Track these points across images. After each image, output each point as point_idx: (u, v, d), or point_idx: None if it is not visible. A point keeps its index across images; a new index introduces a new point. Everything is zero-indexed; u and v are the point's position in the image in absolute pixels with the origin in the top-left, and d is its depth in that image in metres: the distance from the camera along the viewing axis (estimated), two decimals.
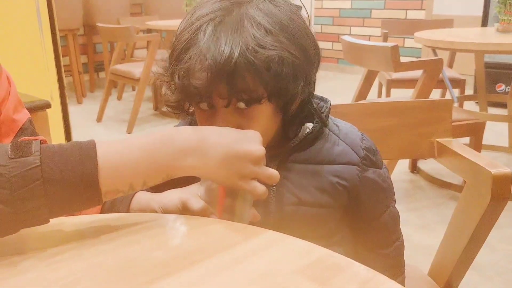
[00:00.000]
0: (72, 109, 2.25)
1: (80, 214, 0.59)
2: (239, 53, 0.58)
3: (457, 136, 2.34)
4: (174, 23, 3.82)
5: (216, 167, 0.56)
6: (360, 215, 0.76)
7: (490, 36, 2.39)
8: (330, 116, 0.76)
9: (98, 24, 3.63)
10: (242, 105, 0.62)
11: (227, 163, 0.56)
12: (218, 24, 0.60)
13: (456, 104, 2.90)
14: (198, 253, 0.48)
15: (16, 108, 0.76)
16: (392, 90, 3.01)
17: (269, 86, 0.61)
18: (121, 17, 4.37)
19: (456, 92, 3.02)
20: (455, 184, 2.43)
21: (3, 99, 0.72)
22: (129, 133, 3.43)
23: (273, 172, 0.60)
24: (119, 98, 4.42)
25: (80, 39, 4.59)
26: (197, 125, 0.68)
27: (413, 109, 1.00)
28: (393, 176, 2.43)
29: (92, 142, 0.51)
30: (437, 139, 0.98)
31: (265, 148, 0.60)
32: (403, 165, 2.70)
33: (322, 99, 0.76)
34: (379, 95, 3.36)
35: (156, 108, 4.05)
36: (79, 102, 4.30)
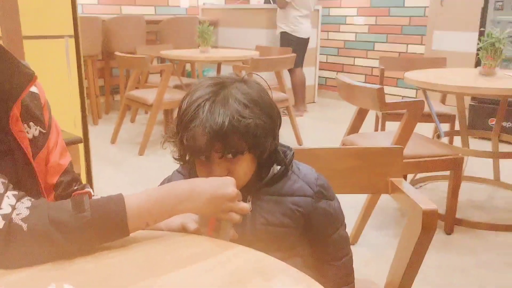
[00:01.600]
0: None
1: None
2: (228, 122, 0.86)
3: (438, 170, 2.56)
4: (185, 53, 4.11)
5: (204, 207, 0.82)
6: (314, 234, 1.02)
7: (473, 79, 2.62)
8: (294, 160, 1.01)
9: (116, 53, 3.93)
10: (230, 156, 0.90)
11: (211, 203, 0.83)
12: (212, 103, 0.88)
13: (444, 138, 3.12)
14: (190, 259, 0.72)
15: (62, 154, 0.97)
16: (387, 123, 3.26)
17: (249, 143, 0.90)
18: (137, 44, 4.68)
19: (446, 126, 3.25)
20: (440, 213, 2.63)
21: (51, 148, 0.95)
22: (140, 155, 3.68)
23: (245, 206, 0.86)
24: (132, 120, 4.70)
25: (98, 64, 4.90)
26: (194, 170, 0.95)
27: (372, 154, 1.24)
28: (382, 204, 2.68)
29: (120, 195, 0.78)
30: (390, 179, 1.21)
31: (245, 184, 0.91)
32: None
33: (288, 148, 1.02)
34: (376, 128, 3.59)
35: (166, 132, 4.30)
36: (95, 123, 4.59)
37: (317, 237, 1.02)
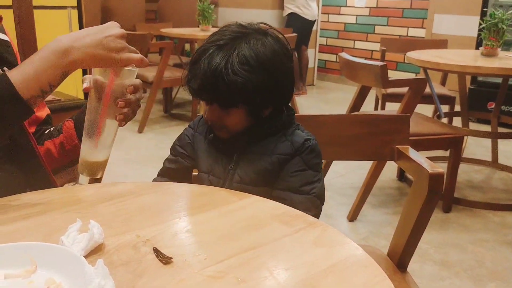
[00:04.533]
0: None
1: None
2: (218, 74, 0.89)
3: (438, 148, 2.58)
4: (186, 31, 4.09)
5: (95, 52, 0.77)
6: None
7: (474, 59, 2.63)
8: (298, 124, 1.03)
9: None
10: (217, 106, 0.94)
11: (102, 46, 0.77)
12: (216, 51, 0.91)
13: (444, 119, 3.14)
14: (209, 205, 0.73)
15: (39, 108, 1.04)
16: (387, 104, 3.27)
17: (237, 98, 0.92)
18: (136, 22, 4.65)
19: (446, 108, 3.27)
20: None
21: None
22: (140, 133, 3.69)
23: (143, 57, 0.81)
24: None
25: None
26: (204, 122, 1.02)
27: (378, 121, 1.25)
28: (382, 183, 2.71)
29: (3, 73, 0.75)
30: (397, 146, 1.22)
31: (233, 136, 0.97)
32: (391, 173, 2.94)
33: (291, 109, 1.03)
34: (376, 108, 3.61)
35: (165, 110, 4.32)
36: None
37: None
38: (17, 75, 0.75)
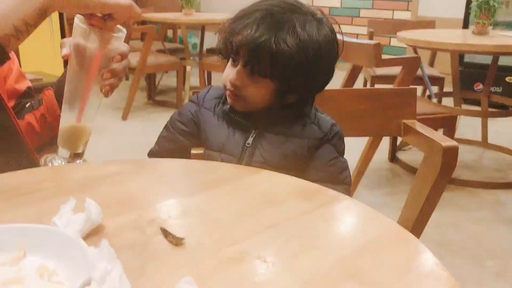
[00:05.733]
0: None
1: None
2: (266, 38, 0.82)
3: (431, 128, 2.54)
4: (169, 16, 3.96)
5: None
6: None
7: (466, 37, 2.59)
8: (316, 107, 0.97)
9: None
10: (250, 70, 0.87)
11: None
12: (269, 14, 0.85)
13: (434, 100, 3.10)
14: (217, 181, 0.66)
15: (17, 80, 0.95)
16: (376, 86, 3.22)
17: (275, 70, 0.85)
18: None
19: (435, 89, 3.23)
20: None
21: (5, 75, 0.91)
22: (124, 120, 3.57)
23: (133, 3, 0.72)
24: None
25: None
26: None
27: (384, 96, 1.19)
28: (374, 165, 2.66)
29: None
30: (403, 121, 1.16)
31: (252, 113, 0.90)
32: (382, 155, 2.89)
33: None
34: None
35: (149, 97, 4.20)
36: None
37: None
38: None
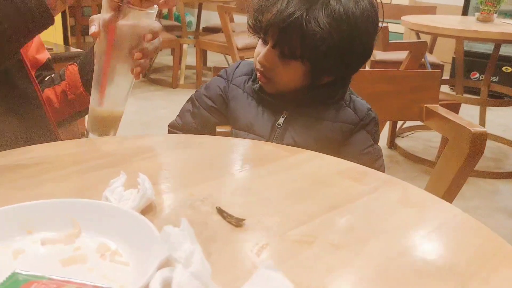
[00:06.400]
0: None
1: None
2: (296, 17, 0.76)
3: None
4: None
5: None
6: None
7: (471, 24, 2.57)
8: (350, 88, 0.92)
9: None
10: (278, 52, 0.82)
11: None
12: None
13: None
14: (262, 160, 0.63)
15: (38, 50, 0.91)
16: None
17: (305, 52, 0.80)
18: None
19: None
20: (428, 160, 2.63)
21: (27, 44, 0.85)
22: None
23: None
24: None
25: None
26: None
27: (405, 78, 1.16)
28: None
29: None
30: (425, 105, 1.14)
31: (284, 95, 0.85)
32: (381, 141, 2.87)
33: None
34: None
35: (144, 75, 4.12)
36: None
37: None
38: None
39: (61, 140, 0.83)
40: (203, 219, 0.47)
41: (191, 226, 0.34)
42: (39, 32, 0.66)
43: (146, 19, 0.70)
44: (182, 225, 0.34)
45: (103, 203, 0.43)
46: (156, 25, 0.72)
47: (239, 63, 0.95)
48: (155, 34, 0.71)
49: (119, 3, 0.66)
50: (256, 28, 0.84)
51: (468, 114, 3.27)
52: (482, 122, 3.10)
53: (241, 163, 0.63)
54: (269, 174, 0.59)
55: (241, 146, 0.70)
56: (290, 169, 0.61)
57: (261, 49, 0.85)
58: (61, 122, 0.91)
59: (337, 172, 0.60)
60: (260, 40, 0.86)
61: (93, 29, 0.71)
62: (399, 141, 2.88)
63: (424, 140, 3.00)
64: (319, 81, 0.87)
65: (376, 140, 0.92)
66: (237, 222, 0.46)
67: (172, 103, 3.39)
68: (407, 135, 3.08)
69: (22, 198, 0.45)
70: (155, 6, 0.69)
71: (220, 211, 0.48)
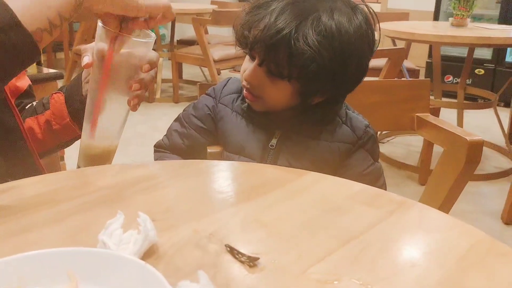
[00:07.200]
0: None
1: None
2: (284, 34, 0.70)
3: None
4: None
5: None
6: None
7: (446, 29, 2.59)
8: (345, 102, 0.88)
9: None
10: (265, 71, 0.77)
11: None
12: (291, 5, 0.72)
13: None
14: (265, 186, 0.59)
15: (18, 77, 0.85)
16: None
17: (293, 72, 0.74)
18: None
19: None
20: (411, 165, 2.63)
21: None
22: None
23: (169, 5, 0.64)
24: None
25: None
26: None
27: (396, 88, 1.14)
28: None
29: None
30: (416, 114, 1.12)
31: (274, 113, 0.81)
32: None
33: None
34: None
35: None
36: None
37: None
38: (17, 1, 0.55)
39: (44, 173, 0.77)
40: (213, 261, 0.43)
41: (211, 282, 0.30)
42: (26, 68, 0.61)
43: (144, 48, 0.66)
44: (200, 279, 0.30)
45: (102, 251, 0.39)
46: (154, 54, 0.68)
47: (228, 80, 0.91)
48: (152, 65, 0.67)
49: (118, 32, 0.62)
50: (242, 44, 0.79)
51: (446, 118, 3.30)
52: (460, 125, 3.13)
53: (245, 191, 0.59)
54: (276, 203, 0.54)
55: (241, 170, 0.65)
56: (297, 195, 0.57)
57: (248, 66, 0.80)
58: (44, 153, 0.85)
59: (347, 197, 0.56)
60: (248, 56, 0.81)
61: (86, 59, 0.66)
62: (380, 147, 2.89)
63: (405, 145, 3.01)
64: (310, 101, 0.82)
65: (375, 158, 0.88)
66: (251, 262, 0.42)
67: (149, 117, 3.32)
68: (388, 141, 3.09)
69: (7, 249, 0.40)
70: (153, 34, 0.65)
71: (231, 250, 0.44)
